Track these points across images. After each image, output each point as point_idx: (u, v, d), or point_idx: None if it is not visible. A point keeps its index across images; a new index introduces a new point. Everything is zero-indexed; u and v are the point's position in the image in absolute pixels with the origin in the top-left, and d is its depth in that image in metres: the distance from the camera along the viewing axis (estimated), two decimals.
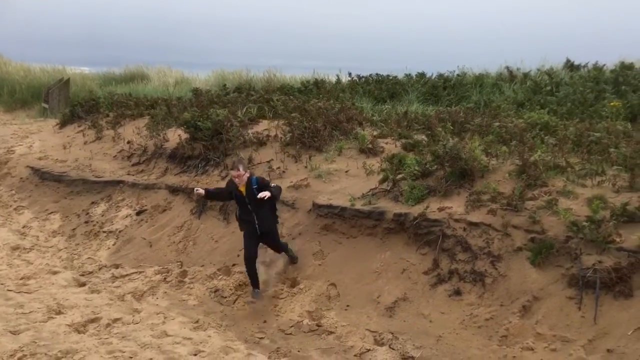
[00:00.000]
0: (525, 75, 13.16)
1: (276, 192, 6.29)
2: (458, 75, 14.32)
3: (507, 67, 13.94)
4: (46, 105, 18.95)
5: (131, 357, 5.16)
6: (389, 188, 7.03)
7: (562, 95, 10.93)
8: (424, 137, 8.31)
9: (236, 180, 6.29)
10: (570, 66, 13.42)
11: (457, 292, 5.74)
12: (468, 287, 5.72)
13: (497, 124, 8.43)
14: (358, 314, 5.91)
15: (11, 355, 5.10)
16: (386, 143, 8.51)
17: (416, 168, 7.02)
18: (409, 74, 14.89)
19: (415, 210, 6.43)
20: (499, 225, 5.85)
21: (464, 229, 6.01)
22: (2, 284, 6.99)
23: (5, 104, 20.76)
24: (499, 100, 11.61)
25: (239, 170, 6.23)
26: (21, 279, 7.23)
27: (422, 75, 14.59)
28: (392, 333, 5.53)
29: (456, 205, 6.31)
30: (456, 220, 6.10)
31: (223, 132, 9.34)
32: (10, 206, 10.24)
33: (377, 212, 6.62)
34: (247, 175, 6.31)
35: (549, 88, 11.65)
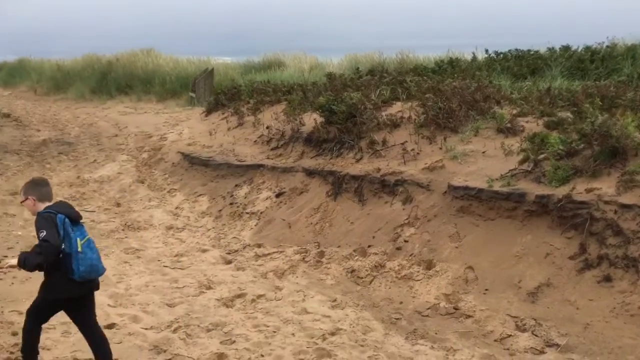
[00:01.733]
0: None
1: (28, 258, 4.10)
2: (607, 46, 13.26)
3: None
4: (193, 95, 20.28)
5: (275, 332, 5.45)
6: (529, 169, 6.72)
7: None
8: (569, 114, 7.81)
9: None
10: None
11: (607, 279, 5.38)
12: (619, 273, 5.34)
13: None
14: (498, 299, 5.75)
15: (168, 325, 5.60)
16: (526, 122, 8.12)
17: (560, 147, 6.63)
18: (552, 48, 14.04)
19: (560, 191, 6.09)
20: None
21: (615, 212, 5.60)
22: (158, 260, 7.67)
23: (157, 94, 22.50)
24: None
25: (22, 197, 4.47)
26: (175, 256, 7.88)
27: (566, 48, 13.70)
28: (535, 319, 5.32)
29: (606, 186, 5.89)
30: (606, 202, 5.70)
31: (357, 115, 9.44)
32: (164, 189, 11.14)
33: (517, 194, 6.36)
34: (36, 205, 4.35)
35: None
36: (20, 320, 5.50)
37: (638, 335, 4.84)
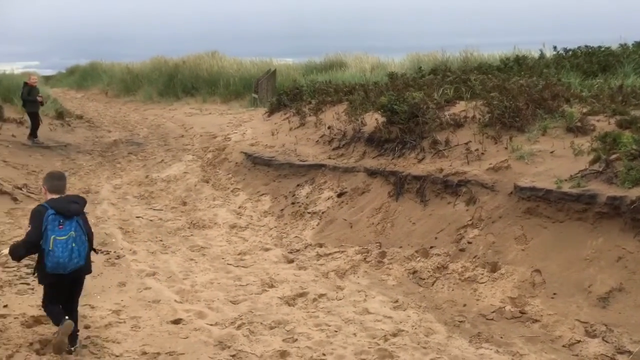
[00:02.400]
0: None
1: (15, 249, 4.72)
2: None
3: None
4: (256, 96, 20.59)
5: (336, 331, 5.47)
6: (601, 169, 6.46)
7: None
8: None
9: None
10: None
11: None
12: None
13: None
14: (566, 303, 5.56)
15: (232, 322, 5.71)
16: (597, 120, 7.81)
17: (634, 147, 6.34)
18: (624, 44, 13.44)
19: (633, 193, 5.82)
20: None
21: None
22: (223, 258, 7.83)
23: (221, 95, 22.99)
24: None
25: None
26: (238, 254, 8.02)
27: (639, 44, 13.08)
28: (606, 325, 5.11)
29: None
30: None
31: (419, 114, 9.34)
32: (228, 188, 11.37)
33: (588, 195, 6.13)
34: (46, 195, 4.95)
35: None
36: (92, 314, 5.76)
37: None
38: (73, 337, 4.90)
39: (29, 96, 14.26)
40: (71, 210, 4.72)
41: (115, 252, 7.77)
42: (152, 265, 7.34)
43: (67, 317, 4.77)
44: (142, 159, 14.11)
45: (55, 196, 4.80)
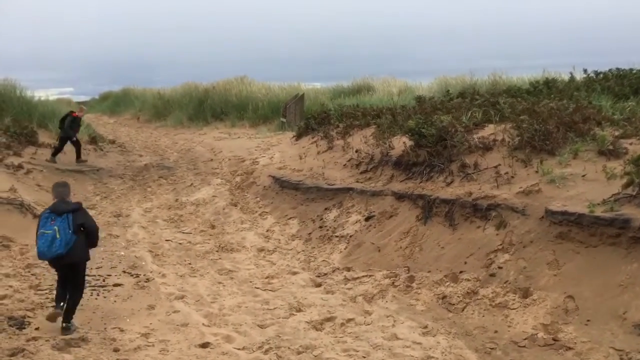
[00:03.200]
0: None
1: None
2: None
3: None
4: (284, 120, 20.77)
5: (364, 357, 5.41)
6: (634, 193, 6.32)
7: None
8: None
9: None
10: None
11: None
12: None
13: None
14: (600, 330, 5.41)
15: (259, 346, 5.70)
16: (630, 144, 7.68)
17: None
18: None
19: None
20: None
21: None
22: (250, 282, 7.85)
23: (250, 119, 23.26)
24: None
25: None
26: (266, 277, 8.03)
27: None
28: None
29: None
30: None
31: (447, 138, 9.30)
32: (256, 212, 11.43)
33: (621, 220, 6.00)
34: (53, 200, 6.27)
35: None
36: (121, 337, 5.81)
37: None
38: (66, 316, 5.89)
39: (72, 124, 15.02)
40: (60, 210, 5.86)
41: (144, 275, 7.84)
42: (180, 289, 7.39)
43: (62, 304, 5.89)
44: (172, 183, 14.29)
45: (56, 200, 6.02)
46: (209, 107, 25.74)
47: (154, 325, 6.18)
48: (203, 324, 6.25)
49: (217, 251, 9.25)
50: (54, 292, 6.19)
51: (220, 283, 7.72)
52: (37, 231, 5.81)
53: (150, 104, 31.11)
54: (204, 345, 5.69)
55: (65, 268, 5.95)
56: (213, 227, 10.70)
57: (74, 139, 15.07)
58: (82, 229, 5.88)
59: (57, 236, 5.68)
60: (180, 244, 9.58)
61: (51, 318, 5.83)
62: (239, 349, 5.64)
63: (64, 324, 5.83)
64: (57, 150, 14.69)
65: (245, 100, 24.43)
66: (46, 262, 6.19)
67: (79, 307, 6.11)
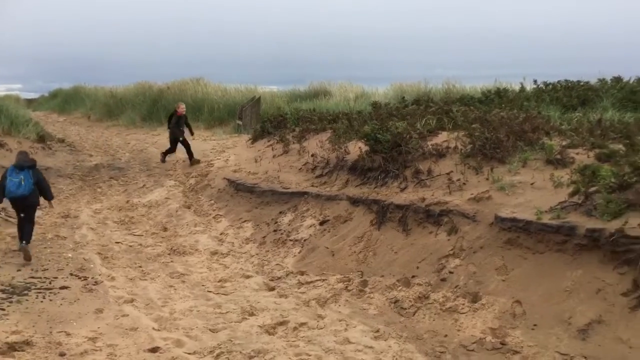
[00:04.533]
0: None
1: None
2: None
3: None
4: (240, 122, 20.63)
5: None
6: (580, 201, 6.54)
7: None
8: (621, 146, 7.61)
9: None
10: None
11: None
12: None
13: None
14: (546, 335, 5.57)
15: (210, 351, 5.62)
16: (577, 153, 7.94)
17: (612, 180, 6.44)
18: (603, 79, 13.77)
19: (612, 225, 5.89)
20: None
21: None
22: (203, 285, 7.75)
23: (205, 121, 23.00)
24: None
25: None
26: (219, 281, 7.94)
27: (618, 79, 13.42)
28: (585, 357, 5.12)
29: None
30: None
31: (402, 144, 9.42)
32: (210, 215, 11.31)
33: (567, 227, 6.19)
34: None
35: None
36: (68, 341, 5.65)
37: None
38: (27, 238, 8.28)
39: (177, 125, 15.43)
40: (23, 165, 8.16)
41: (93, 277, 7.65)
42: (130, 292, 7.23)
43: (24, 242, 8.17)
44: (123, 184, 14.00)
45: (19, 161, 8.26)
46: (163, 108, 25.31)
47: (102, 329, 6.02)
48: (153, 328, 6.13)
49: (169, 254, 9.11)
50: (2, 305, 6.01)
51: (171, 286, 7.60)
52: (4, 180, 8.03)
53: (102, 103, 30.43)
54: (154, 350, 5.58)
55: (26, 208, 8.23)
56: (165, 229, 10.53)
57: (181, 138, 15.36)
58: (36, 184, 8.22)
59: (22, 182, 8.03)
60: (130, 246, 9.39)
61: (26, 256, 8.09)
62: (189, 354, 5.55)
63: (23, 242, 8.15)
64: (169, 151, 15.58)
65: (200, 101, 24.15)
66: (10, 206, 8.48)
67: (23, 310, 6.11)
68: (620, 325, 5.32)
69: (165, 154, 15.36)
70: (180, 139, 15.31)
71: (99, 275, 7.78)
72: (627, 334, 5.23)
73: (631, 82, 13.13)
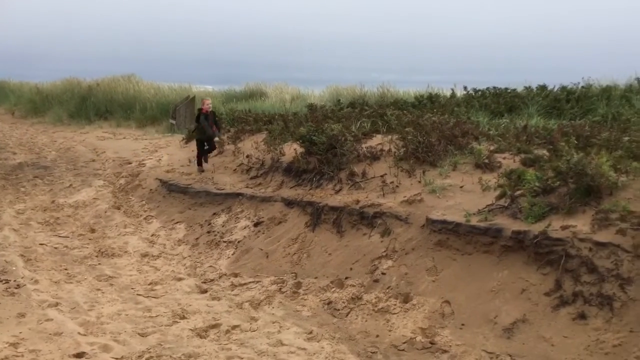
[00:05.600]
0: None
1: None
2: (583, 87, 13.61)
3: (638, 79, 13.04)
4: (173, 122, 20.23)
5: None
6: (506, 204, 6.79)
7: None
8: (545, 152, 7.97)
9: None
10: None
11: (582, 316, 5.41)
12: (594, 310, 5.38)
13: (627, 138, 7.90)
14: (473, 334, 5.74)
15: (139, 356, 5.46)
16: (504, 158, 8.24)
17: (537, 184, 6.73)
18: (529, 87, 14.38)
19: (536, 228, 6.16)
20: (629, 246, 5.46)
21: (590, 249, 5.67)
22: (132, 288, 7.53)
23: (137, 120, 22.42)
24: (628, 113, 10.86)
25: None
26: (149, 284, 7.74)
27: (543, 87, 14.04)
28: (510, 355, 5.31)
29: (581, 224, 5.97)
30: (581, 240, 5.77)
31: (337, 146, 9.49)
32: (141, 215, 11.01)
33: (494, 229, 6.42)
34: None
35: None
36: None
37: None
38: None
39: (207, 121, 12.04)
40: None
41: (15, 280, 7.30)
42: (55, 296, 6.94)
43: None
44: (48, 183, 13.42)
45: None
46: (92, 105, 24.52)
47: (24, 334, 5.75)
48: (78, 332, 5.90)
49: (96, 256, 8.80)
50: None
51: (99, 290, 7.34)
52: None
53: (27, 99, 29.11)
54: (79, 355, 5.38)
55: None
56: (93, 230, 10.17)
57: (216, 138, 12.26)
58: None
59: None
60: (55, 248, 9.01)
61: None
62: (117, 359, 5.38)
63: None
64: (203, 155, 12.28)
65: (132, 99, 23.53)
66: None
67: None
68: (543, 324, 5.56)
69: (200, 162, 12.11)
70: (214, 138, 12.15)
71: (22, 278, 7.42)
72: (549, 332, 5.46)
73: (555, 90, 13.75)
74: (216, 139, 12.27)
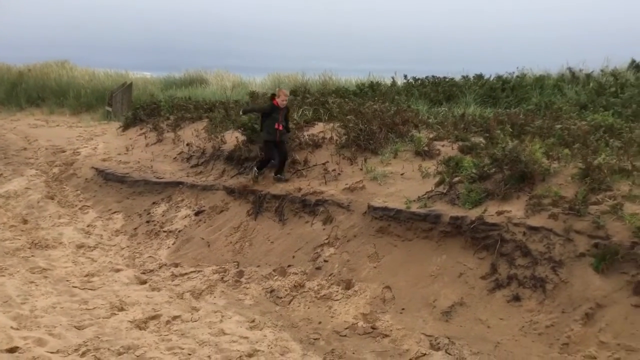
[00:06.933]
0: (588, 77, 12.75)
1: None
2: (517, 76, 14.01)
3: (569, 68, 13.55)
4: (110, 109, 19.64)
5: (190, 354, 5.29)
6: (445, 191, 6.95)
7: (627, 96, 10.53)
8: (481, 139, 8.18)
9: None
10: (635, 67, 12.93)
11: (516, 298, 5.61)
12: (528, 292, 5.59)
13: (559, 126, 8.21)
14: (413, 318, 5.87)
15: (76, 349, 5.30)
16: (442, 146, 8.41)
17: (473, 171, 6.91)
18: (466, 76, 14.68)
19: (473, 213, 6.33)
20: (560, 230, 5.69)
21: (524, 234, 5.88)
22: (67, 280, 7.28)
23: (71, 107, 21.63)
24: (560, 102, 11.27)
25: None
26: (85, 276, 7.51)
27: (479, 77, 14.35)
28: (449, 338, 5.46)
29: (515, 209, 6.17)
30: (515, 225, 5.97)
31: None
32: (76, 206, 10.66)
33: (433, 215, 6.56)
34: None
35: (613, 89, 11.25)
36: None
37: (545, 353, 5.07)
38: None
39: (273, 121, 8.83)
40: None
41: None
42: None
43: None
44: None
45: None
46: (23, 92, 23.46)
47: None
48: (11, 327, 5.66)
49: (29, 248, 8.46)
50: None
51: (32, 282, 7.06)
52: None
53: None
54: (12, 350, 5.16)
55: None
56: (25, 221, 9.77)
57: (283, 139, 9.03)
58: None
59: None
60: None
61: None
62: (52, 353, 5.19)
63: None
64: (266, 161, 9.12)
65: (65, 86, 22.66)
66: None
67: None
68: (480, 307, 5.73)
69: (260, 167, 9.07)
70: (280, 140, 8.90)
71: None
72: (485, 314, 5.64)
73: (491, 79, 14.10)
74: (279, 140, 8.90)
